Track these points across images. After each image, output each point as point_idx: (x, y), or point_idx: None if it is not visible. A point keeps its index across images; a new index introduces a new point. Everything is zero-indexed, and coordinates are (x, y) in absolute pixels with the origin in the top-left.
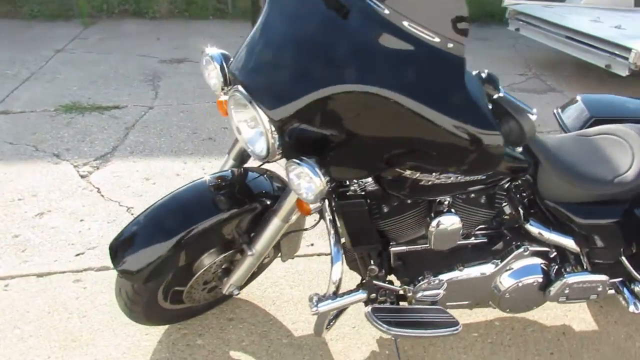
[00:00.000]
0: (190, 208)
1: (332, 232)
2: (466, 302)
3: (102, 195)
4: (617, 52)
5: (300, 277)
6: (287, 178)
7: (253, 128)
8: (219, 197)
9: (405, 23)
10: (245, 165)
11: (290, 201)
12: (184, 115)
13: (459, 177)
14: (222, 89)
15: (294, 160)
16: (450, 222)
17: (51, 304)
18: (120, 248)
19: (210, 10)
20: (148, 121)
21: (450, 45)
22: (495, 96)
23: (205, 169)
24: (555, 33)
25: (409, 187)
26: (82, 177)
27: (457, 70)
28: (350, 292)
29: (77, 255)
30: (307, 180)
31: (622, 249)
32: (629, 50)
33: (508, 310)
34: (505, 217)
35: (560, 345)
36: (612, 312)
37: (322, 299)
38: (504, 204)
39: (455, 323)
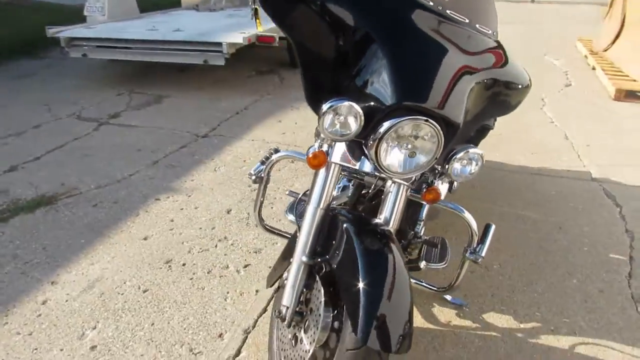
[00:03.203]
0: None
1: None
2: None
3: None
4: (210, 49)
5: None
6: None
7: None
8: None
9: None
10: None
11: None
12: None
13: None
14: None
15: (465, 148)
16: None
17: None
18: None
19: None
20: None
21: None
22: None
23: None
24: (133, 48)
25: None
26: None
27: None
28: None
29: None
30: (466, 163)
31: None
32: (219, 44)
33: None
34: None
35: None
36: None
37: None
38: None
39: None
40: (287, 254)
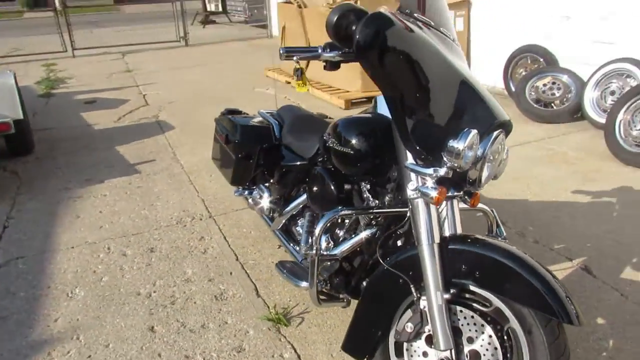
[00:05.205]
0: None
1: None
2: None
3: None
4: None
5: None
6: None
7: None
8: None
9: None
10: None
11: None
12: None
13: None
14: None
15: None
16: None
17: None
18: None
19: None
20: None
21: None
22: None
23: None
24: None
25: None
26: None
27: None
28: None
29: None
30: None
31: None
32: None
33: None
34: None
35: None
36: None
37: None
38: None
39: None
40: (378, 312)
